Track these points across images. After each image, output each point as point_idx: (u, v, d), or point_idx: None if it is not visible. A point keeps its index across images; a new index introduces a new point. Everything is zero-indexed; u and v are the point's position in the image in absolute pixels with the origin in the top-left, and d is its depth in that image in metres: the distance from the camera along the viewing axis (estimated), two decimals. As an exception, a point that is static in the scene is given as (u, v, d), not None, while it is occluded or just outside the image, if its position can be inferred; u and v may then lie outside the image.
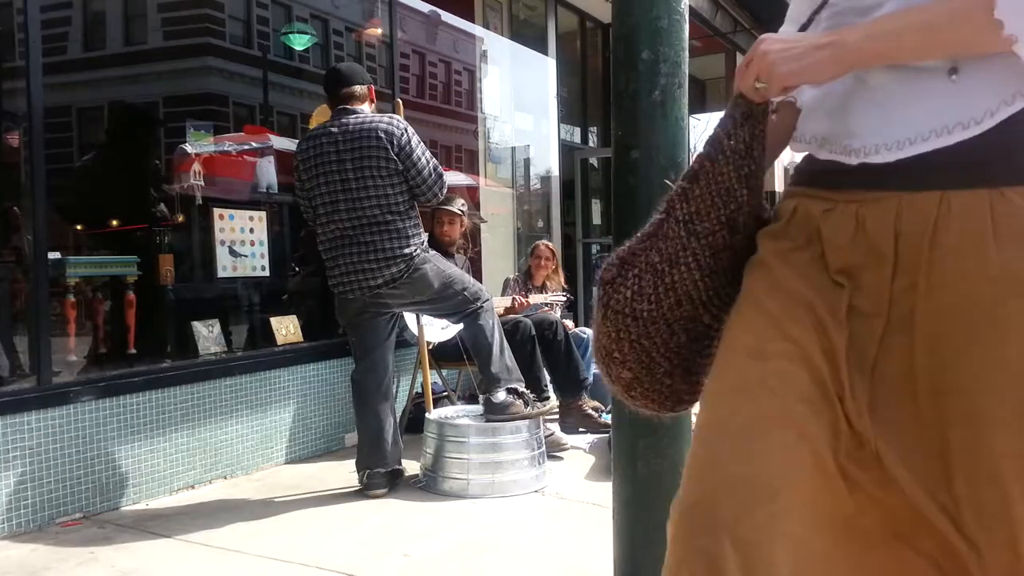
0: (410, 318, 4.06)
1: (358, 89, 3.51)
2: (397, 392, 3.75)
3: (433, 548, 2.87)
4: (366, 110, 3.50)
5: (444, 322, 4.35)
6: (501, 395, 3.49)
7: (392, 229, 3.34)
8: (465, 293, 3.52)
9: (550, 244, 5.25)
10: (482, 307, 3.56)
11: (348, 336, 3.66)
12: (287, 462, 4.03)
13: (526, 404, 3.53)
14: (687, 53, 1.93)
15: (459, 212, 4.39)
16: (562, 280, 5.31)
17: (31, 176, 3.19)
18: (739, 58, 10.13)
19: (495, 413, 3.49)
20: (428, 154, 3.44)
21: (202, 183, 4.10)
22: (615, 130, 1.94)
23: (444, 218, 4.37)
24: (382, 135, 3.34)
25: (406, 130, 3.40)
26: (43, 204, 3.20)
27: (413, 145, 3.38)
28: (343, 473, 3.77)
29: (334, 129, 3.41)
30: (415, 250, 3.38)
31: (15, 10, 3.45)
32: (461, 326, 4.17)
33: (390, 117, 3.47)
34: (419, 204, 3.51)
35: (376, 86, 5.44)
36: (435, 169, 3.44)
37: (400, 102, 4.03)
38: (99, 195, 4.23)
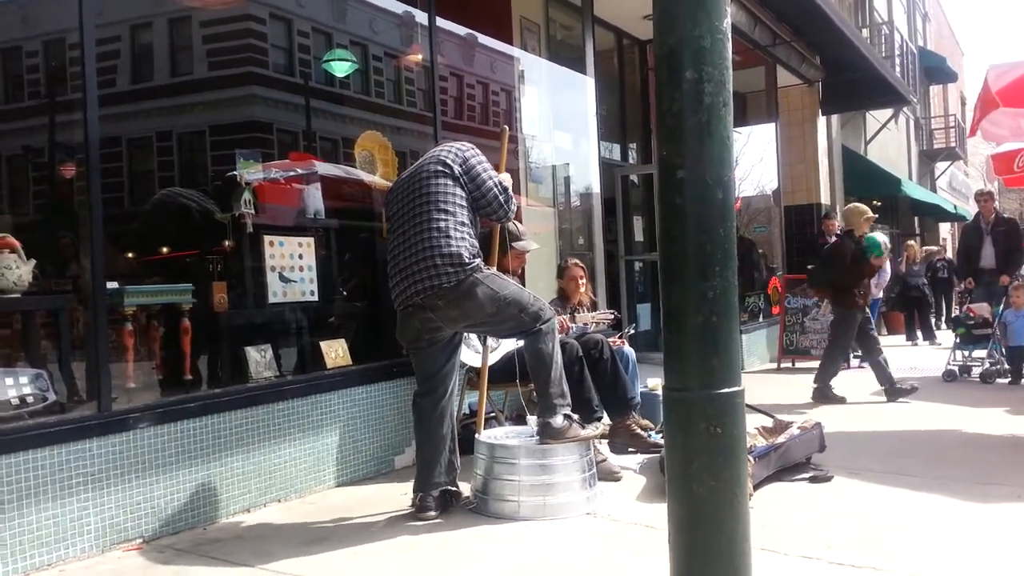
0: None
1: None
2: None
3: (484, 571, 2.87)
4: None
5: (490, 343, 4.35)
6: (560, 420, 3.46)
7: (441, 228, 3.34)
8: (523, 315, 3.44)
9: (578, 262, 5.15)
10: (541, 329, 3.48)
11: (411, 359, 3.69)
12: (339, 485, 4.07)
13: (582, 427, 3.51)
14: (731, 72, 1.91)
15: (528, 251, 4.44)
16: (592, 294, 5.28)
17: (88, 207, 3.29)
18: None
19: (553, 437, 3.46)
20: (492, 172, 3.54)
21: (253, 211, 4.19)
22: (660, 150, 1.93)
23: (513, 254, 4.34)
24: (446, 148, 3.55)
25: (473, 148, 3.56)
26: (100, 234, 3.29)
27: (478, 160, 3.51)
28: (394, 495, 3.79)
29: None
30: (466, 258, 3.32)
31: (68, 45, 3.58)
32: (507, 348, 4.18)
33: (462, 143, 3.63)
34: (486, 217, 3.57)
35: (416, 109, 5.56)
36: (498, 184, 3.51)
37: (506, 128, 4.10)
38: (154, 224, 4.36)
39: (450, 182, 3.42)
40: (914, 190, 16.11)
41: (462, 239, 3.36)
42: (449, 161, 3.46)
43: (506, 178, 3.75)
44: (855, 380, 7.75)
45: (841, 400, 6.36)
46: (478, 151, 3.56)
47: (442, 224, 3.35)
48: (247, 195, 4.18)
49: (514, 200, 3.59)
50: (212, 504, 3.51)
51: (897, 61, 17.37)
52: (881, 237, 6.95)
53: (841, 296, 6.55)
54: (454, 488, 3.57)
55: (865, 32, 15.75)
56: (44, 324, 3.57)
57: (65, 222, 3.91)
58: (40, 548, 2.94)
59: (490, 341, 4.20)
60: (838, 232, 9.92)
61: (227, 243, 4.29)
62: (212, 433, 3.52)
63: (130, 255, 4.35)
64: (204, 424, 3.49)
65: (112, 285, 3.47)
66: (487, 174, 3.49)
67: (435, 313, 3.39)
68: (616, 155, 8.58)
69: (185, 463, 3.41)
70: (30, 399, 3.17)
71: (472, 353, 4.22)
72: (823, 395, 6.41)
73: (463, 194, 3.44)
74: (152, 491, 3.29)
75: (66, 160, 3.94)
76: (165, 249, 4.49)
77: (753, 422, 4.17)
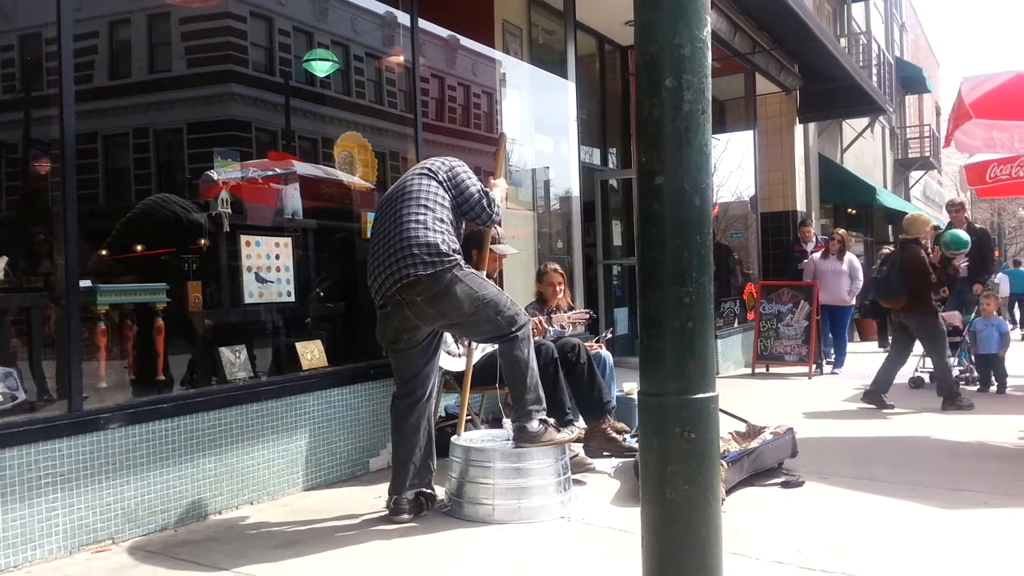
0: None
1: None
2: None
3: (458, 575, 2.86)
4: None
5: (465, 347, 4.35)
6: (535, 424, 3.48)
7: (419, 220, 3.37)
8: (499, 318, 3.45)
9: (557, 267, 5.16)
10: (517, 335, 3.49)
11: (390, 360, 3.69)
12: (313, 487, 4.04)
13: (557, 431, 3.52)
14: (710, 80, 1.93)
15: (505, 255, 4.41)
16: (571, 299, 5.30)
17: (63, 204, 3.24)
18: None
19: (528, 441, 3.47)
20: (477, 180, 3.61)
21: (230, 211, 4.15)
22: (639, 156, 1.95)
23: (491, 256, 4.33)
24: (434, 158, 3.63)
25: (461, 162, 3.64)
26: (74, 232, 3.25)
27: (463, 169, 3.59)
28: (368, 498, 3.78)
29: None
30: (443, 249, 3.33)
31: (44, 40, 3.53)
32: (484, 350, 4.19)
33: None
34: (470, 222, 3.64)
35: (397, 110, 5.55)
36: (481, 189, 3.58)
37: (504, 133, 4.17)
38: (128, 222, 4.30)
39: (433, 183, 3.49)
40: (889, 199, 16.31)
41: (440, 232, 3.37)
42: (434, 168, 3.54)
43: (502, 184, 3.83)
44: (828, 385, 7.84)
45: (969, 407, 6.23)
46: (465, 165, 3.63)
47: (420, 217, 3.38)
48: (224, 194, 4.14)
49: (498, 206, 3.63)
50: (184, 506, 3.47)
51: (874, 71, 17.57)
52: (964, 234, 6.85)
53: (918, 304, 6.40)
54: (429, 491, 3.57)
55: (843, 41, 15.94)
56: (15, 322, 3.52)
57: (38, 219, 3.85)
58: (6, 549, 2.90)
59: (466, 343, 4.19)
60: (816, 238, 10.09)
61: (203, 242, 4.25)
62: (184, 434, 3.49)
63: (104, 253, 4.29)
64: (176, 425, 3.46)
65: (85, 283, 3.42)
66: (471, 180, 3.56)
67: (412, 310, 3.38)
68: (596, 159, 8.62)
69: (157, 464, 3.38)
70: (-1, 398, 3.12)
71: (449, 358, 4.21)
72: (954, 404, 6.29)
73: (445, 195, 3.49)
74: (123, 492, 3.25)
75: (41, 156, 3.88)
76: (140, 247, 4.43)
77: (727, 427, 4.20)
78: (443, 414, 4.59)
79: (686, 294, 1.88)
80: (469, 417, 4.49)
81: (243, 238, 4.20)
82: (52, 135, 3.41)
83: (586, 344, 4.61)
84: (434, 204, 3.43)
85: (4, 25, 4.14)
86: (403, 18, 5.26)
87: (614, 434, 4.43)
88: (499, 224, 4.75)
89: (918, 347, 6.83)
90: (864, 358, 10.34)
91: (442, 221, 3.41)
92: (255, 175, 4.58)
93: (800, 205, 11.48)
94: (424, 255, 3.31)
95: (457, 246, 3.45)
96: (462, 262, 3.43)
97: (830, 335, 9.17)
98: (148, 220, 4.37)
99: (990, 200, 28.19)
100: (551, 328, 4.73)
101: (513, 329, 3.48)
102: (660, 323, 1.90)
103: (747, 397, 6.85)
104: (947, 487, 3.93)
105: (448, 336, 4.05)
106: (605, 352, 5.02)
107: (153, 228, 4.36)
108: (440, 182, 3.49)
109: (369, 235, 3.66)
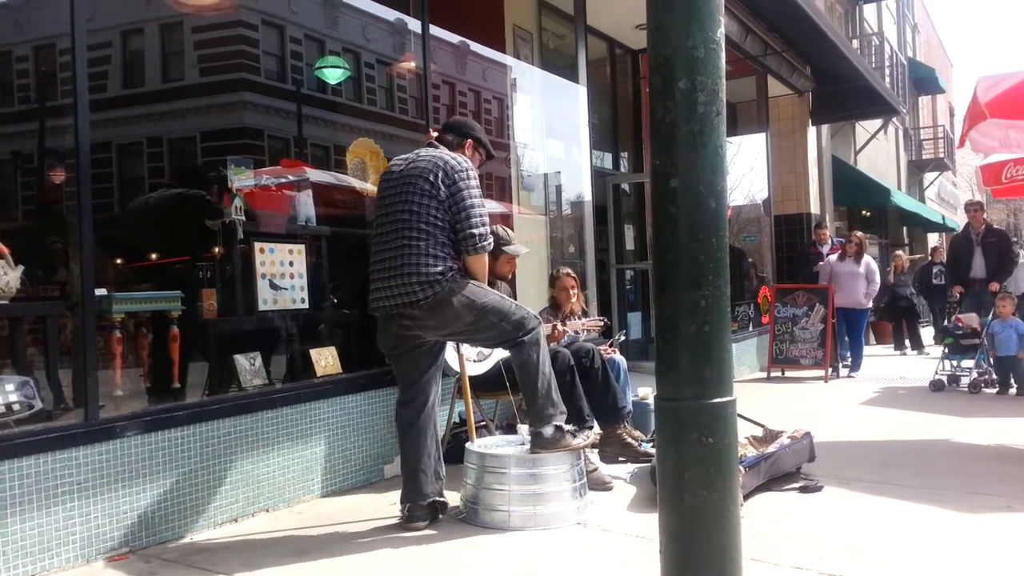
0: (448, 348, 4.04)
1: (449, 136, 3.65)
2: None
3: (476, 581, 2.85)
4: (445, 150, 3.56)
5: (480, 353, 4.33)
6: (550, 430, 3.44)
7: (421, 247, 3.33)
8: (504, 324, 3.41)
9: (570, 271, 5.13)
10: (525, 338, 3.45)
11: (392, 367, 3.67)
12: (328, 494, 4.04)
13: (572, 437, 3.49)
14: (724, 81, 1.92)
15: (518, 254, 4.36)
16: (584, 303, 5.28)
17: (78, 213, 3.26)
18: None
19: (543, 447, 3.44)
20: (480, 201, 3.41)
21: (243, 218, 4.16)
22: (653, 159, 1.94)
23: (504, 259, 4.29)
24: (440, 163, 3.41)
25: (467, 169, 3.42)
26: (89, 240, 3.27)
27: (466, 185, 3.39)
28: (383, 505, 3.77)
29: (403, 159, 3.56)
30: (440, 273, 3.30)
31: (58, 50, 3.55)
32: (498, 356, 4.18)
33: (463, 157, 3.51)
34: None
35: (409, 116, 5.56)
36: (481, 216, 3.40)
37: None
38: (143, 230, 4.33)
39: (435, 204, 3.37)
40: (903, 200, 16.20)
41: (443, 258, 3.34)
42: (440, 183, 3.37)
43: None
44: (844, 389, 7.78)
45: None
46: (470, 174, 3.43)
47: (421, 244, 3.33)
48: (238, 202, 4.16)
49: (489, 239, 3.47)
50: (200, 514, 3.47)
51: (887, 72, 17.48)
52: None
53: None
54: (441, 498, 3.54)
55: (855, 43, 15.86)
56: (31, 331, 3.53)
57: (54, 228, 3.88)
58: (24, 558, 2.90)
59: (481, 349, 4.17)
60: (831, 241, 10.02)
61: (217, 250, 4.26)
62: (200, 442, 3.49)
63: (119, 261, 4.32)
64: (192, 433, 3.46)
65: (100, 292, 3.43)
66: (471, 200, 3.38)
67: (412, 321, 3.38)
68: (608, 164, 8.61)
69: (173, 472, 3.38)
70: (16, 407, 3.13)
71: (469, 364, 4.20)
72: None
73: (446, 216, 3.38)
74: (139, 500, 3.25)
75: (56, 165, 3.91)
76: (154, 256, 4.45)
77: (743, 431, 4.17)
78: (457, 420, 4.58)
79: (702, 297, 1.87)
80: (483, 423, 4.49)
81: (257, 245, 4.20)
82: (67, 145, 3.43)
83: (600, 349, 4.59)
84: (434, 229, 3.35)
85: (19, 36, 4.18)
86: (414, 24, 5.27)
87: (630, 439, 4.41)
88: (512, 229, 4.77)
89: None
90: (880, 361, 10.27)
91: (443, 245, 3.36)
92: (268, 182, 4.59)
93: (814, 207, 11.41)
94: (427, 284, 3.30)
95: (454, 262, 3.39)
96: (459, 275, 3.38)
97: (846, 338, 9.10)
98: (141, 211, 4.39)
99: (1006, 201, 27.95)
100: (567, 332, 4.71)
101: (520, 334, 3.44)
102: (676, 327, 1.89)
103: (763, 401, 6.80)
104: (968, 491, 3.88)
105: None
106: (619, 357, 5.01)
107: (155, 213, 4.38)
108: (441, 201, 3.36)
109: (375, 217, 3.57)
